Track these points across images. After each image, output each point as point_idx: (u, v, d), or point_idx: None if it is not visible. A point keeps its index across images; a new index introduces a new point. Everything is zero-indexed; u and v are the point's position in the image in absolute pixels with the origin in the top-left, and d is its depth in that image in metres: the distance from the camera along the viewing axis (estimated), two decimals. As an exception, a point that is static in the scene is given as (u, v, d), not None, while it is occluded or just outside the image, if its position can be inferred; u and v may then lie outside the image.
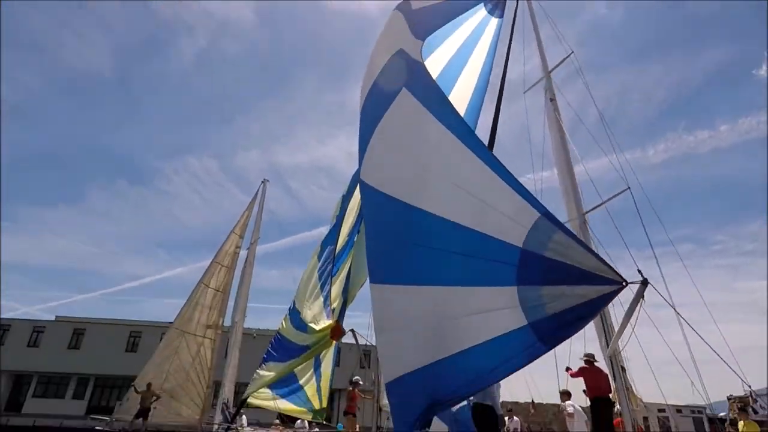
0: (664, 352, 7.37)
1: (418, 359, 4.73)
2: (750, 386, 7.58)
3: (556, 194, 9.17)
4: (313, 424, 18.48)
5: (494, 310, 4.53)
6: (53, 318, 33.85)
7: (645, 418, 12.75)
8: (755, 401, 7.92)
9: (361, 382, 13.41)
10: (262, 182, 20.77)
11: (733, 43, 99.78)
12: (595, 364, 7.49)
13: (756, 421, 8.43)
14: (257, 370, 11.59)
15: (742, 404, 8.35)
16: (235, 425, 12.66)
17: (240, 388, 25.95)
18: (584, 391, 7.50)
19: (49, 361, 30.54)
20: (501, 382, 6.09)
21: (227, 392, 16.80)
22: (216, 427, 14.61)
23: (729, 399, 8.82)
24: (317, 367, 15.23)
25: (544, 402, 22.43)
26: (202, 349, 16.32)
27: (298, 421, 16.91)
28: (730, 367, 6.28)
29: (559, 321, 4.17)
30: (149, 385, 14.39)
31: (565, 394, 8.12)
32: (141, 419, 13.87)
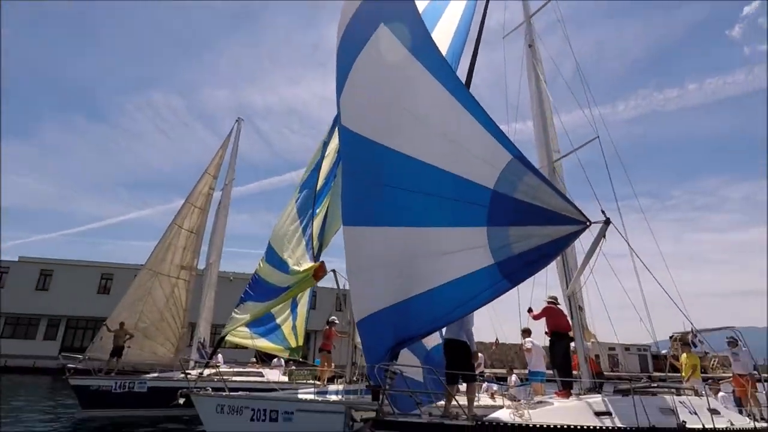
0: (618, 297, 7.96)
1: (388, 298, 4.94)
2: (692, 323, 8.35)
3: (529, 147, 9.37)
4: (291, 362, 19.27)
5: (464, 250, 4.74)
6: (16, 259, 33.06)
7: (596, 356, 13.79)
8: (695, 336, 8.66)
9: (336, 321, 13.91)
10: (237, 121, 20.28)
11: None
12: (558, 305, 7.99)
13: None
14: (235, 310, 11.75)
15: (684, 340, 9.14)
16: (212, 362, 13.00)
17: (216, 329, 26.42)
18: (546, 332, 8.04)
19: (16, 302, 30.17)
20: (474, 321, 6.45)
21: (203, 332, 17.14)
22: (192, 364, 14.98)
23: (671, 338, 9.60)
24: (294, 307, 15.68)
25: (507, 342, 23.93)
26: (176, 290, 16.43)
27: (275, 359, 17.50)
28: (676, 305, 6.89)
29: (524, 260, 4.43)
30: (122, 324, 14.52)
31: (526, 332, 8.69)
32: (115, 358, 14.09)
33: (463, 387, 6.40)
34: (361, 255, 5.56)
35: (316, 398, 9.39)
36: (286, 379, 15.50)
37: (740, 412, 7.78)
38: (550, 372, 8.10)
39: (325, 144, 12.95)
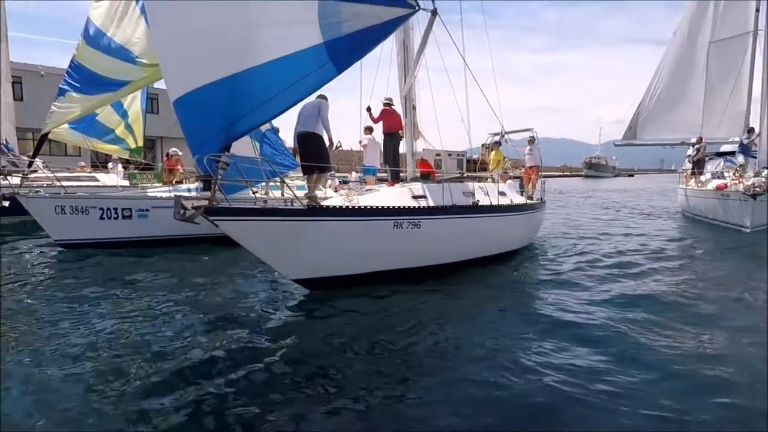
0: (447, 108, 8.71)
1: (210, 72, 4.50)
2: (502, 125, 9.79)
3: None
4: (131, 166, 17.87)
5: (292, 24, 4.41)
6: None
7: (426, 160, 15.61)
8: (503, 137, 10.28)
9: (179, 153, 12.84)
10: None
11: None
12: (393, 107, 8.49)
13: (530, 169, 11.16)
14: (54, 103, 9.77)
15: (495, 142, 10.81)
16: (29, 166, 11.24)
17: (27, 134, 22.41)
18: (383, 132, 8.66)
19: None
20: (326, 116, 6.40)
21: (5, 133, 14.38)
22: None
23: (483, 145, 11.28)
24: (119, 106, 13.72)
25: (354, 149, 25.51)
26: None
27: (110, 164, 16.03)
28: (492, 109, 7.88)
29: (352, 40, 4.34)
30: None
31: (367, 129, 9.17)
32: None
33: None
34: (174, 22, 4.72)
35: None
36: (126, 183, 14.59)
37: (521, 194, 10.01)
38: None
39: None
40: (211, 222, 4.80)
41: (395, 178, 8.06)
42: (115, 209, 8.97)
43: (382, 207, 5.96)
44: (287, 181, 7.77)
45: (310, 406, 3.17)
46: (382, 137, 8.65)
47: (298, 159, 12.88)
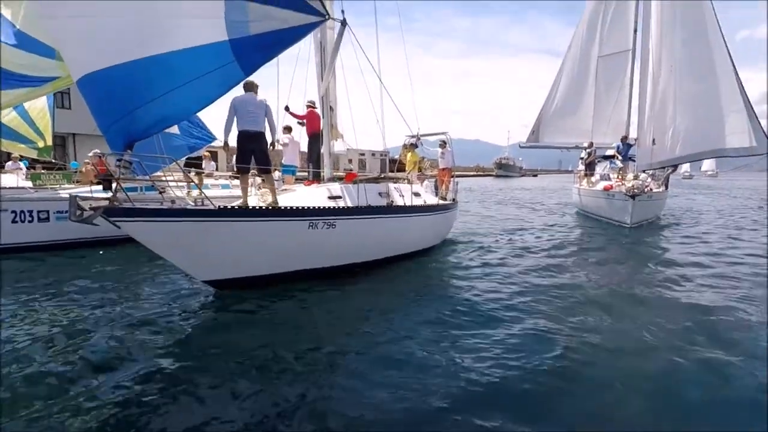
0: (366, 110, 8.93)
1: (113, 55, 4.19)
2: (418, 129, 10.26)
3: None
4: (38, 166, 16.14)
5: (196, 18, 4.28)
6: None
7: (349, 160, 15.76)
8: (418, 139, 10.75)
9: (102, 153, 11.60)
10: None
11: None
12: (315, 109, 8.56)
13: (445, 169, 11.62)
14: None
15: (411, 144, 11.22)
16: None
17: None
18: (308, 133, 8.72)
19: None
20: (272, 117, 6.14)
21: None
22: None
23: (403, 146, 11.67)
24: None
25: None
26: None
27: (9, 163, 14.18)
28: (403, 118, 8.23)
29: (259, 42, 4.31)
30: None
31: (286, 129, 9.10)
32: None
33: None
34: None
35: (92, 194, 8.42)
36: (29, 184, 13.05)
37: (435, 195, 10.51)
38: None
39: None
40: (112, 223, 4.53)
41: (316, 178, 8.14)
42: (30, 211, 8.48)
43: (296, 207, 5.97)
44: (207, 181, 7.51)
45: (222, 407, 3.13)
46: (307, 138, 8.72)
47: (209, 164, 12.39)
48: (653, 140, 14.14)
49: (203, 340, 4.44)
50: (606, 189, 13.96)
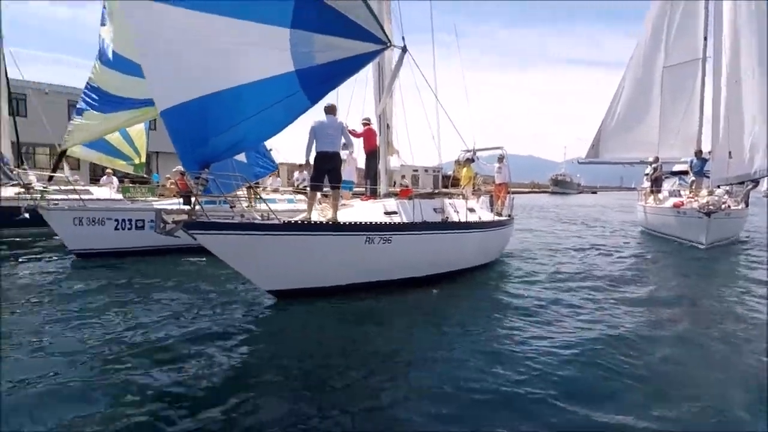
0: (421, 125, 9.11)
1: (193, 89, 4.57)
2: (474, 144, 10.25)
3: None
4: (126, 180, 18.78)
5: (264, 48, 4.55)
6: None
7: (403, 176, 15.96)
8: (474, 154, 10.69)
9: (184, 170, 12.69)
10: None
11: None
12: (371, 126, 8.85)
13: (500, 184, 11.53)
14: (72, 122, 9.83)
15: (467, 159, 11.16)
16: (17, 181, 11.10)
17: (29, 148, 23.05)
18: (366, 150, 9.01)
19: None
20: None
21: (4, 149, 13.99)
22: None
23: (456, 161, 11.63)
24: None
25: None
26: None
27: (104, 177, 15.86)
28: (458, 132, 8.28)
29: (324, 72, 4.52)
30: None
31: (345, 146, 9.49)
32: None
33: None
34: (162, 37, 4.84)
35: (182, 207, 9.20)
36: (120, 196, 14.47)
37: (490, 211, 10.37)
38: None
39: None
40: (190, 235, 4.90)
41: (373, 194, 8.37)
42: (129, 220, 9.62)
43: (355, 223, 6.16)
44: (262, 194, 7.96)
45: (298, 406, 3.21)
46: (364, 156, 9.01)
47: (302, 174, 13.09)
48: (729, 153, 13.13)
49: (271, 346, 4.64)
50: (676, 206, 13.08)
